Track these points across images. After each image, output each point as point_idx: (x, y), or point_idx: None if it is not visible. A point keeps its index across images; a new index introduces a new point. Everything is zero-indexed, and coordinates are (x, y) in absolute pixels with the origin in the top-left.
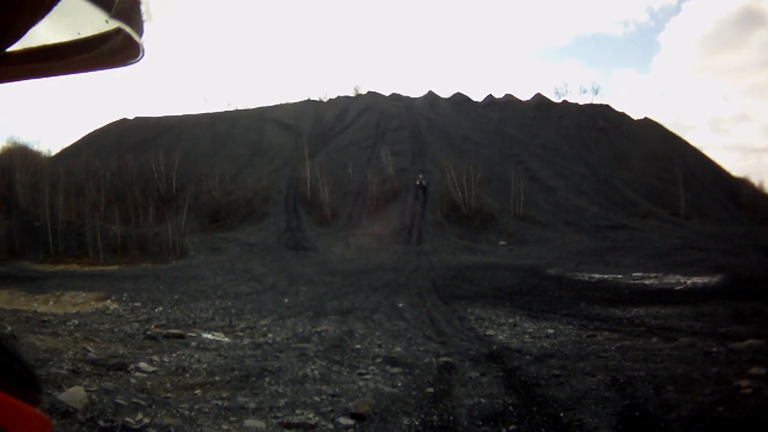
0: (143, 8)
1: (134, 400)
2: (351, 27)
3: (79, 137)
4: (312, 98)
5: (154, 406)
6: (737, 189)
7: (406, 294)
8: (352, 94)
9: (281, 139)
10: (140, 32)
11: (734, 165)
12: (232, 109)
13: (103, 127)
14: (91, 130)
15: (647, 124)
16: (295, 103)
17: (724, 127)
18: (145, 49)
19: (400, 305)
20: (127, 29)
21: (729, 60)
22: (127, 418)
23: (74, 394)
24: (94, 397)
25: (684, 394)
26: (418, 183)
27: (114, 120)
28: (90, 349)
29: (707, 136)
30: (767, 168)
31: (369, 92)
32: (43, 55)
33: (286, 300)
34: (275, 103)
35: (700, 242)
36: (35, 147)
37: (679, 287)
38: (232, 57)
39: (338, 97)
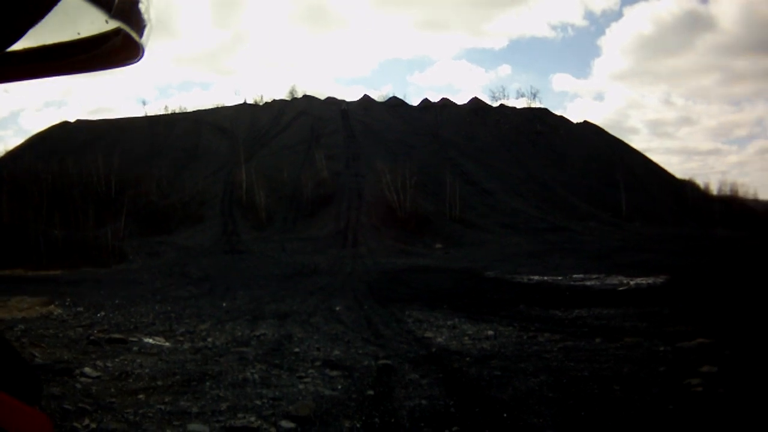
0: (143, 8)
1: (80, 405)
2: (288, 29)
3: (22, 140)
4: (248, 101)
5: (99, 411)
6: (682, 191)
7: (343, 297)
8: (287, 97)
9: (217, 142)
10: (140, 32)
11: (678, 168)
12: (169, 112)
13: (45, 130)
14: (33, 133)
15: (586, 128)
16: (231, 106)
17: (666, 131)
18: (146, 49)
19: (338, 308)
20: (127, 29)
21: (671, 64)
22: (74, 424)
23: None
24: (41, 402)
25: (631, 393)
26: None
27: (55, 123)
28: (37, 354)
29: (649, 139)
30: (712, 170)
31: (304, 95)
32: (43, 55)
33: (224, 304)
34: (212, 106)
35: (643, 244)
36: None
37: (622, 288)
38: (169, 59)
39: (273, 100)
